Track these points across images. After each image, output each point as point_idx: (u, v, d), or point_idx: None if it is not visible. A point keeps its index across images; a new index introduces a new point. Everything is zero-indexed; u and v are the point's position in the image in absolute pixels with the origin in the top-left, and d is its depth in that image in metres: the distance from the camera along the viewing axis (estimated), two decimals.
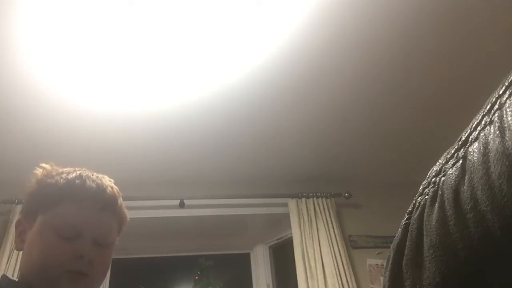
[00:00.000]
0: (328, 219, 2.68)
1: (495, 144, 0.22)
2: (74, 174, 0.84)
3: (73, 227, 0.78)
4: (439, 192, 0.26)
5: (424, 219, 0.27)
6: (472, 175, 0.23)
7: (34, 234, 0.78)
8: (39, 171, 0.86)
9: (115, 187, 0.88)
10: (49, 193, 0.81)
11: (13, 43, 1.67)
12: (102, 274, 0.83)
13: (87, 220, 0.80)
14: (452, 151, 0.27)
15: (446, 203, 0.25)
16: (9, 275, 0.85)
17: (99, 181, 0.85)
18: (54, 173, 0.84)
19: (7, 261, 2.19)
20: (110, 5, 1.54)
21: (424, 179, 0.29)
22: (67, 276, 0.75)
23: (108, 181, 0.87)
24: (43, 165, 0.86)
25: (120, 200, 0.88)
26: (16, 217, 2.33)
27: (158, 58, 1.81)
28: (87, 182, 0.83)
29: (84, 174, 0.85)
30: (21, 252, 0.81)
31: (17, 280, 0.79)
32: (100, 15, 1.58)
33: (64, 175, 0.84)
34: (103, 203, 0.83)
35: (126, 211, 0.91)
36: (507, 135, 0.21)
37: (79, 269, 0.76)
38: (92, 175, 0.86)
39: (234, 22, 1.67)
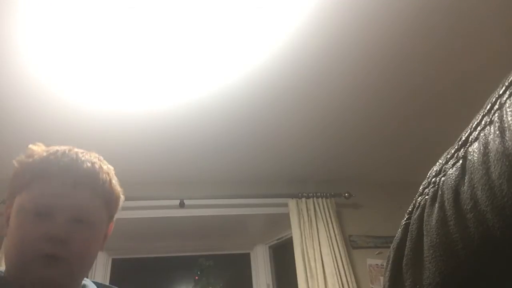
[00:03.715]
0: (328, 219, 2.67)
1: (495, 144, 0.22)
2: (51, 151, 0.78)
3: (43, 204, 0.72)
4: (439, 192, 0.26)
5: (424, 219, 0.27)
6: (472, 175, 0.23)
7: (12, 216, 0.74)
8: (22, 155, 0.80)
9: (98, 162, 0.80)
10: (24, 172, 0.76)
11: (13, 43, 1.67)
12: (83, 256, 0.75)
13: (58, 196, 0.73)
14: (452, 151, 0.27)
15: (446, 203, 0.25)
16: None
17: (75, 156, 0.78)
18: (35, 153, 0.78)
19: None
20: (111, 5, 1.54)
21: (424, 179, 0.29)
22: (40, 261, 0.69)
23: (91, 157, 0.80)
24: (30, 146, 0.81)
25: (104, 176, 0.79)
26: None
27: (158, 58, 1.81)
28: (61, 157, 0.76)
29: (62, 150, 0.78)
30: None
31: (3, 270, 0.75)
32: (100, 15, 1.58)
33: (44, 154, 0.77)
34: (76, 178, 0.75)
35: (117, 188, 0.83)
36: (507, 135, 0.21)
37: (52, 252, 0.69)
38: (72, 151, 0.79)
39: (234, 22, 1.67)
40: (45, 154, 0.77)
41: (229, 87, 2.02)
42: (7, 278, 0.73)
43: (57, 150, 0.78)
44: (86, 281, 0.82)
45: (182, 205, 2.64)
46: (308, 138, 2.50)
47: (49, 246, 0.69)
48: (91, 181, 0.77)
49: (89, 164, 0.78)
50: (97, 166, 0.79)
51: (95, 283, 0.85)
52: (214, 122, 2.26)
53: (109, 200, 0.80)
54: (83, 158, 0.78)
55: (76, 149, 0.80)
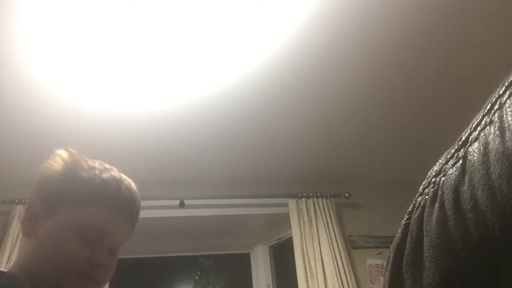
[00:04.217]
0: (328, 219, 2.67)
1: (495, 144, 0.22)
2: (108, 175, 0.78)
3: (98, 232, 0.74)
4: (439, 192, 0.26)
5: (424, 219, 0.27)
6: (472, 175, 0.23)
7: (53, 227, 0.72)
8: (65, 156, 0.78)
9: (138, 194, 0.84)
10: (80, 189, 0.74)
11: (13, 43, 1.67)
12: (108, 280, 0.80)
13: (113, 228, 0.76)
14: (452, 151, 0.27)
15: (446, 203, 0.25)
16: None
17: (132, 188, 0.81)
18: (85, 165, 0.77)
19: (7, 261, 2.18)
20: (111, 5, 1.54)
21: (424, 179, 0.29)
22: (76, 277, 0.71)
23: (135, 188, 0.83)
24: (70, 149, 0.79)
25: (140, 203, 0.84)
26: (16, 216, 2.33)
27: (158, 58, 1.81)
28: (122, 188, 0.78)
29: (118, 177, 0.79)
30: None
31: (6, 270, 0.73)
32: (100, 15, 1.58)
33: (97, 172, 0.77)
34: (132, 214, 0.79)
35: None
36: (507, 135, 0.21)
37: (93, 274, 0.73)
38: (123, 178, 0.81)
39: (234, 22, 1.67)
40: (103, 175, 0.77)
41: (229, 87, 2.02)
42: (22, 279, 0.72)
43: (114, 176, 0.79)
44: None
45: (182, 205, 2.64)
46: (308, 138, 2.50)
47: (90, 269, 0.72)
48: (138, 216, 0.82)
49: (139, 200, 0.82)
50: (140, 199, 0.83)
51: None
52: (214, 122, 2.26)
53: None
54: (136, 192, 0.82)
55: (118, 172, 0.82)
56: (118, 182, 0.78)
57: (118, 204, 0.76)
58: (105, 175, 0.77)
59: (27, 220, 0.75)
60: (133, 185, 0.82)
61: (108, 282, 0.85)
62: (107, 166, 0.81)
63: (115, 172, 0.81)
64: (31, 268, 0.72)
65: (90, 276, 0.72)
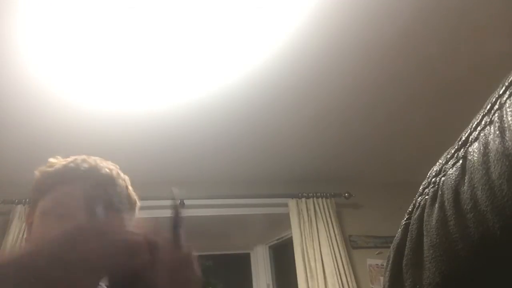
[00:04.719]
0: (328, 219, 2.67)
1: (495, 144, 0.22)
2: (70, 159, 0.83)
3: (66, 206, 0.76)
4: (439, 192, 0.26)
5: (424, 219, 0.27)
6: (472, 175, 0.23)
7: (35, 221, 0.77)
8: (48, 163, 0.84)
9: (116, 169, 0.85)
10: (46, 179, 0.80)
11: (13, 43, 1.67)
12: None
13: (80, 198, 0.77)
14: (452, 151, 0.27)
15: (446, 203, 0.25)
16: None
17: (94, 162, 0.83)
18: (55, 163, 0.83)
19: None
20: (111, 5, 1.54)
21: (424, 179, 0.29)
22: None
23: (108, 164, 0.85)
24: (50, 159, 0.85)
25: (121, 182, 0.85)
26: (16, 216, 2.34)
27: (158, 58, 1.81)
28: (81, 164, 0.81)
29: (81, 158, 0.83)
30: None
31: None
32: (100, 15, 1.58)
33: (63, 162, 0.82)
34: (96, 181, 0.80)
35: (133, 194, 0.88)
36: (507, 135, 0.21)
37: None
38: (90, 158, 0.84)
39: (234, 22, 1.67)
40: (64, 162, 0.82)
41: (229, 87, 2.02)
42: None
43: (76, 158, 0.83)
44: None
45: (182, 205, 2.63)
46: (308, 138, 2.50)
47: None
48: (110, 184, 0.82)
49: (107, 170, 0.83)
50: (114, 172, 0.84)
51: None
52: (214, 122, 2.26)
53: (126, 205, 0.85)
54: (101, 164, 0.83)
55: (93, 157, 0.85)
56: (77, 161, 0.82)
57: (76, 176, 0.78)
58: (68, 162, 0.82)
59: (27, 230, 0.82)
60: (102, 161, 0.84)
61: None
62: (87, 156, 0.84)
63: (82, 156, 0.84)
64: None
65: None
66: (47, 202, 0.77)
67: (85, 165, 0.81)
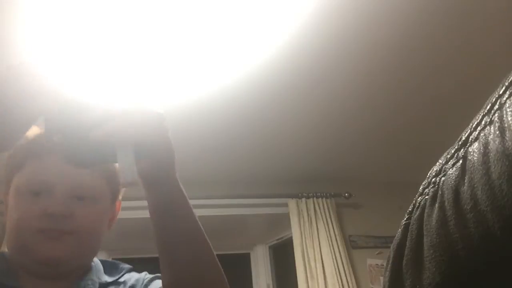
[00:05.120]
0: (328, 219, 2.67)
1: (495, 144, 0.22)
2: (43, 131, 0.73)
3: (39, 182, 0.70)
4: (439, 192, 0.26)
5: (424, 219, 0.27)
6: (472, 175, 0.23)
7: (10, 201, 0.72)
8: None
9: None
10: (16, 154, 0.73)
11: (13, 43, 1.67)
12: (89, 231, 0.72)
13: (53, 172, 0.70)
14: (452, 151, 0.27)
15: (446, 203, 0.25)
16: None
17: None
18: (27, 136, 0.73)
19: None
20: (110, 5, 1.54)
21: (424, 179, 0.29)
22: (40, 237, 0.67)
23: None
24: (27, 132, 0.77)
25: None
26: None
27: (156, 58, 1.81)
28: (54, 135, 0.73)
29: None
30: None
31: None
32: (100, 15, 1.58)
33: (36, 133, 0.73)
34: (70, 154, 0.69)
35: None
36: (507, 135, 0.21)
37: (52, 226, 0.67)
38: None
39: (233, 22, 1.67)
40: (37, 133, 0.73)
41: (229, 87, 2.02)
42: (11, 262, 0.72)
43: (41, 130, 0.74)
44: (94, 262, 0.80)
45: None
46: (308, 138, 2.50)
47: (49, 221, 0.67)
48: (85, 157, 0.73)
49: None
50: None
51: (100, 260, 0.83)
52: (213, 122, 2.26)
53: (110, 177, 0.77)
54: None
55: None
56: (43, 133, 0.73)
57: (50, 149, 0.70)
58: (39, 133, 0.72)
59: (5, 211, 0.74)
60: None
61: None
62: None
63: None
64: (10, 247, 0.72)
65: (54, 230, 0.67)
66: (18, 179, 0.71)
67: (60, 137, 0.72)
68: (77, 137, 0.58)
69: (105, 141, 0.57)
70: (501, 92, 0.24)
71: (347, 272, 2.49)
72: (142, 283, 0.79)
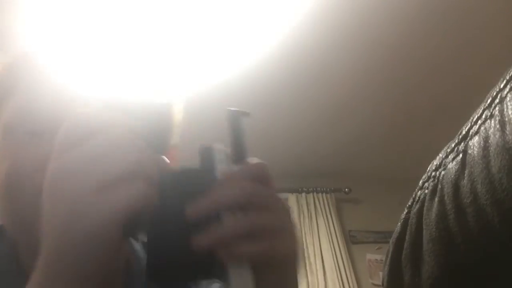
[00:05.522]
0: (328, 214, 2.68)
1: (496, 138, 0.22)
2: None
3: (37, 116, 0.48)
4: (439, 186, 0.26)
5: (424, 213, 0.27)
6: (472, 169, 0.23)
7: None
8: None
9: None
10: (1, 78, 0.52)
11: (13, 43, 1.66)
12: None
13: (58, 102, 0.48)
14: (453, 145, 0.27)
15: (445, 197, 0.25)
16: None
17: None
18: (15, 54, 0.56)
19: None
20: (109, 4, 1.54)
21: (424, 175, 0.29)
22: None
23: None
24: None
25: None
26: None
27: (155, 56, 1.80)
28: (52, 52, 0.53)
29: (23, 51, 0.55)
30: None
31: None
32: (99, 15, 1.57)
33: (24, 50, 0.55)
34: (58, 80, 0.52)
35: None
36: (507, 129, 0.21)
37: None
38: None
39: (231, 19, 1.66)
40: (25, 50, 0.53)
41: (227, 84, 2.02)
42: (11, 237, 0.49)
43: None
44: None
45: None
46: (308, 133, 2.50)
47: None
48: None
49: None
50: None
51: None
52: (211, 118, 2.26)
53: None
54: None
55: None
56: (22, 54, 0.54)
57: (40, 72, 0.51)
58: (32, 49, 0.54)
59: None
60: None
61: None
62: None
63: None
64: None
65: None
66: (8, 114, 0.49)
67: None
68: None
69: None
70: (502, 86, 0.24)
71: (346, 267, 2.49)
72: None
